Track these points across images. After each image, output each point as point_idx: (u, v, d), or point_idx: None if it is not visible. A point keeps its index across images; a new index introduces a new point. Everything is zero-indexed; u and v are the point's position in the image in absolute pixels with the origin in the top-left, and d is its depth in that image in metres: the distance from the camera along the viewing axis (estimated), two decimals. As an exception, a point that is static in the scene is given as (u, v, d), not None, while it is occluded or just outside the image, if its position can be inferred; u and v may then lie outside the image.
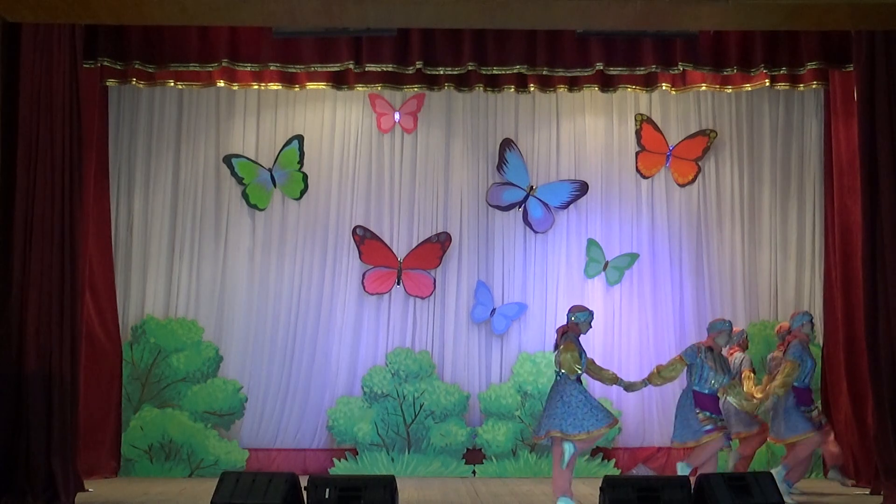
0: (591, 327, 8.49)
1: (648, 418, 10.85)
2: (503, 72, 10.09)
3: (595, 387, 10.66)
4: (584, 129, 11.28)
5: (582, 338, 10.57)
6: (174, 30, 9.56)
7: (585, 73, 10.09)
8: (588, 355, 8.49)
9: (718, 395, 8.53)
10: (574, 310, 8.45)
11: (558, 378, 8.18)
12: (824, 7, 8.17)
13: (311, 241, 11.05)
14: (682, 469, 8.30)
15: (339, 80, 10.36)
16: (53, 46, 8.70)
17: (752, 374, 9.59)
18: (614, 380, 8.51)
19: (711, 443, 8.32)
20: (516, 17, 8.35)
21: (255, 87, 10.56)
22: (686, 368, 8.50)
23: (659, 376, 8.52)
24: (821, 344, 10.58)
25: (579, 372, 8.12)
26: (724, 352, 9.05)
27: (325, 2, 8.09)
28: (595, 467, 10.53)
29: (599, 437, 8.37)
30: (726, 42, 9.88)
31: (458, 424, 10.70)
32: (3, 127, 8.57)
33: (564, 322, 8.48)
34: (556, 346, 8.27)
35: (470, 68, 9.92)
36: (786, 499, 8.29)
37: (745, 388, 9.12)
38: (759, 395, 8.96)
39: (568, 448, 7.98)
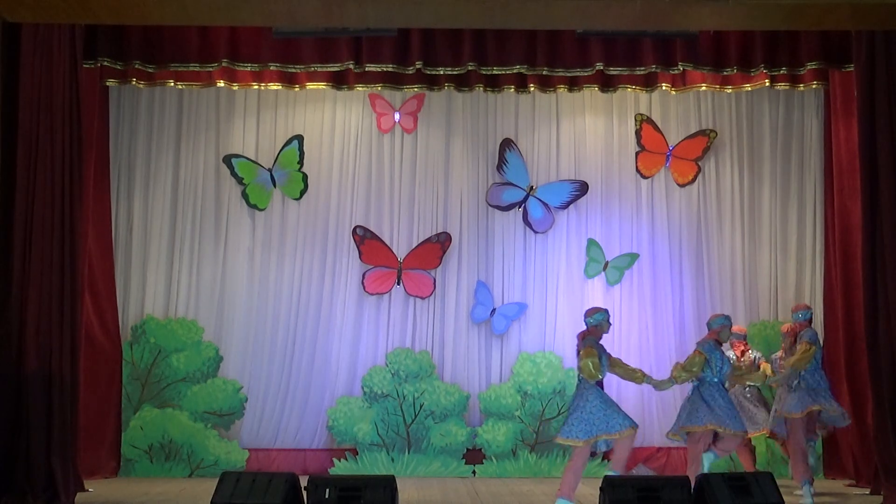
0: (610, 325, 8.46)
1: (648, 418, 10.84)
2: (503, 72, 10.11)
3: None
4: (584, 129, 11.29)
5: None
6: (174, 30, 9.57)
7: (585, 73, 10.10)
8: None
9: (726, 385, 8.54)
10: (590, 313, 8.43)
11: (579, 383, 8.20)
12: (824, 7, 8.16)
13: (311, 241, 11.05)
14: (708, 459, 8.26)
15: (339, 80, 10.37)
16: (53, 46, 8.71)
17: (768, 365, 9.69)
18: (643, 378, 8.41)
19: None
20: (516, 17, 8.34)
21: (255, 87, 10.57)
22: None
23: (684, 371, 8.37)
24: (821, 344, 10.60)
25: (599, 377, 8.13)
26: (727, 347, 9.23)
27: (325, 2, 8.08)
28: (595, 467, 10.52)
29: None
30: (726, 42, 9.89)
31: (458, 424, 10.70)
32: (3, 127, 8.56)
33: (584, 328, 8.41)
34: (578, 352, 8.27)
35: (470, 68, 9.93)
36: (807, 500, 8.32)
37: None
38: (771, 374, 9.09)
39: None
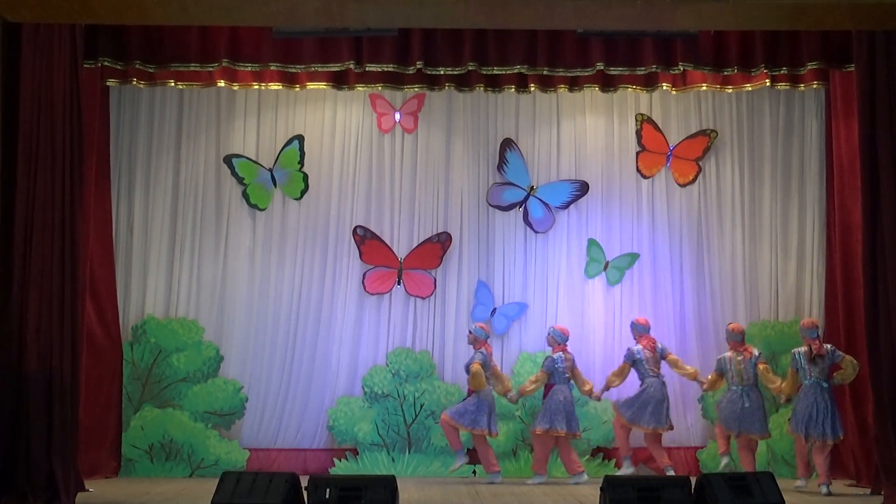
0: None
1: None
2: (504, 72, 10.10)
3: (597, 386, 10.65)
4: (585, 129, 11.28)
5: (581, 340, 10.57)
6: (174, 30, 9.57)
7: (586, 73, 10.09)
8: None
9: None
10: (813, 325, 9.66)
11: (828, 385, 9.30)
12: (825, 7, 8.16)
13: (311, 241, 11.04)
14: None
15: (340, 80, 10.36)
16: (54, 46, 8.69)
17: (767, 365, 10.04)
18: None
19: None
20: (516, 17, 8.34)
21: (256, 87, 10.56)
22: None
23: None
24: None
25: None
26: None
27: (326, 2, 8.08)
28: (595, 467, 10.53)
29: None
30: (726, 42, 9.88)
31: (459, 424, 10.69)
32: (3, 127, 8.56)
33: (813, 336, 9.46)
34: (822, 356, 9.22)
35: (470, 68, 9.92)
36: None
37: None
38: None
39: None
